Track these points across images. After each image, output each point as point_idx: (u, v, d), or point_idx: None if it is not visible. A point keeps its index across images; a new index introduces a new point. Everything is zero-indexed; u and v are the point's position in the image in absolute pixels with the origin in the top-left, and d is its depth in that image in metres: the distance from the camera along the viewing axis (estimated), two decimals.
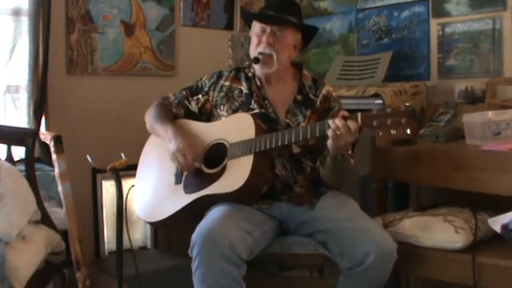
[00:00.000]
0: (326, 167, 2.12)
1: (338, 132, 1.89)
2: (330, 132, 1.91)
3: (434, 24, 3.06)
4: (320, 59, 3.56)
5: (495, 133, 2.31)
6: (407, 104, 1.83)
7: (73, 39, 2.92)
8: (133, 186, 2.30)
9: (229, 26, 3.55)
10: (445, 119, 2.77)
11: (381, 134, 1.85)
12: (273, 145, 2.01)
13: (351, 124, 1.88)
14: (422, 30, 3.10)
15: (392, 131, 1.83)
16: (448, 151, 2.36)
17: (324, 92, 2.25)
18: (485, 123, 2.33)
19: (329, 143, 1.95)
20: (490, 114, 2.37)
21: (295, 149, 2.16)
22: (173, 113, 2.31)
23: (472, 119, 2.40)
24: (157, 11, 3.22)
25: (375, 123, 1.85)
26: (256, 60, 2.19)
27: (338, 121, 1.89)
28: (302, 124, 2.15)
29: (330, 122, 1.91)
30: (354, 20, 3.42)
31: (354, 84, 2.99)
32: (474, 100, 2.83)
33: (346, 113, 1.93)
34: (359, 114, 1.89)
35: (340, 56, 3.44)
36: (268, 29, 2.17)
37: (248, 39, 3.59)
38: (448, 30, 3.00)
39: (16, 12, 2.70)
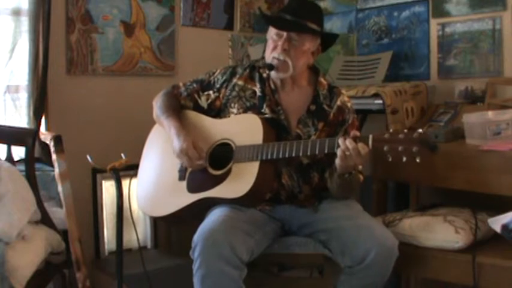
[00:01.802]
0: (333, 182, 2.09)
1: (347, 153, 1.86)
2: (338, 152, 1.88)
3: (434, 24, 3.06)
4: (320, 59, 3.53)
5: (495, 133, 2.31)
6: (421, 130, 1.79)
7: (73, 39, 2.92)
8: (134, 175, 2.29)
9: (229, 26, 3.55)
10: (445, 119, 2.77)
11: (390, 159, 1.81)
12: (280, 155, 1.98)
13: (361, 147, 1.84)
14: (422, 30, 3.10)
15: (402, 158, 1.79)
16: (448, 151, 2.36)
17: (338, 102, 2.19)
18: (485, 123, 2.33)
19: (337, 161, 1.92)
20: (490, 114, 2.36)
21: (304, 160, 2.13)
22: (181, 104, 2.28)
23: (472, 119, 2.40)
24: (157, 11, 3.22)
25: (385, 148, 1.81)
26: (271, 67, 2.12)
27: (348, 142, 1.86)
28: (313, 137, 2.11)
29: (340, 141, 1.87)
30: (354, 20, 3.42)
31: (354, 84, 2.99)
32: (474, 100, 2.82)
33: (357, 133, 1.89)
34: (370, 137, 1.85)
35: (340, 56, 3.43)
36: (284, 35, 2.09)
37: (248, 39, 3.64)
38: (448, 30, 3.00)
39: (16, 12, 2.70)
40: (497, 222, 2.01)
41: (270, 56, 2.13)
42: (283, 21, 2.13)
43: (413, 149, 1.76)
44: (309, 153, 1.96)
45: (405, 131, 1.81)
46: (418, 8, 3.11)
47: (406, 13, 3.17)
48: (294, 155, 1.97)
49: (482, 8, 2.86)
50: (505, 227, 1.96)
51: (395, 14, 3.22)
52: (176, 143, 2.11)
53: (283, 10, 2.20)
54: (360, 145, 1.85)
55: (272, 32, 2.14)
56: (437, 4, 3.03)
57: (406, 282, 2.79)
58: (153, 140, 2.35)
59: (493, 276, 2.08)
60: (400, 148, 1.78)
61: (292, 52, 2.10)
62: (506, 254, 2.09)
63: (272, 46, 2.13)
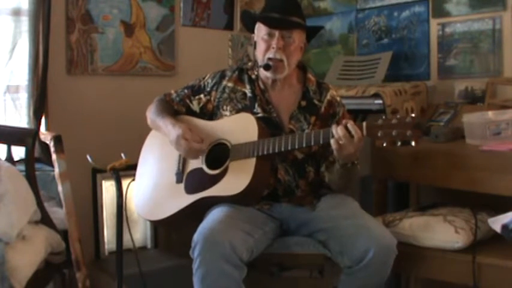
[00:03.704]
0: (333, 172, 2.10)
1: (341, 142, 1.87)
2: (332, 141, 1.89)
3: (434, 24, 3.06)
4: (320, 59, 3.56)
5: (495, 133, 2.31)
6: (413, 115, 1.82)
7: (73, 39, 2.92)
8: (133, 180, 2.30)
9: (229, 26, 3.55)
10: (445, 119, 2.77)
11: (385, 144, 1.84)
12: (276, 150, 1.99)
13: (355, 135, 1.86)
14: (422, 30, 3.10)
15: (397, 142, 1.82)
16: (448, 151, 2.36)
17: (328, 97, 2.22)
18: (485, 123, 2.33)
19: (335, 152, 1.93)
20: (490, 114, 2.36)
21: (299, 155, 2.14)
22: (174, 109, 2.30)
23: (472, 119, 2.40)
24: (157, 11, 3.22)
25: (379, 134, 1.84)
26: (268, 67, 2.13)
27: (341, 131, 1.87)
28: (306, 131, 2.12)
29: (334, 130, 1.89)
30: (354, 20, 3.42)
31: (354, 84, 2.99)
32: (474, 100, 2.82)
33: (350, 121, 1.90)
34: (364, 124, 1.87)
35: (340, 56, 3.43)
36: (276, 33, 2.12)
37: (248, 39, 3.64)
38: (448, 30, 3.00)
39: (16, 12, 2.70)
40: (497, 222, 2.00)
41: (265, 57, 2.14)
42: (273, 19, 2.14)
43: (407, 133, 1.79)
44: (304, 145, 1.97)
45: (398, 116, 1.84)
46: (418, 8, 3.11)
47: (406, 13, 3.17)
48: (290, 148, 1.98)
49: (482, 8, 2.86)
50: (505, 227, 1.96)
51: (396, 14, 3.22)
52: (173, 132, 2.13)
53: (268, 9, 2.21)
54: (354, 132, 1.86)
55: (262, 32, 2.16)
56: (437, 4, 3.03)
57: (406, 282, 2.79)
58: (148, 146, 2.36)
59: (493, 276, 2.08)
60: (394, 133, 1.81)
61: (287, 50, 2.13)
62: (506, 254, 2.09)
63: (265, 46, 2.14)
